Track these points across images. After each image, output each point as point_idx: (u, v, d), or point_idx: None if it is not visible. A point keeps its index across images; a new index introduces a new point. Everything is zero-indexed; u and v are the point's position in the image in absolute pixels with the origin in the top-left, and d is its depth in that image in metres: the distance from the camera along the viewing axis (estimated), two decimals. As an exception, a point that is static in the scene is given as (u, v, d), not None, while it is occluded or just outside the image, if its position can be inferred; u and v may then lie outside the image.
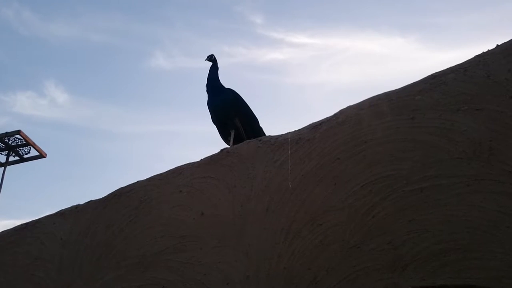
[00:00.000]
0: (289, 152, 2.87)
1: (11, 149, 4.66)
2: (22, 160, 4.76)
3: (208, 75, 4.20)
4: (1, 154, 4.74)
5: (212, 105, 4.13)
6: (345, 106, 2.88)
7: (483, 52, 2.60)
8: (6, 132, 4.60)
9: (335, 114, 2.85)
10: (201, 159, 3.26)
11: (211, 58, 4.23)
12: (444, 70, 2.67)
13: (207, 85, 4.19)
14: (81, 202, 3.64)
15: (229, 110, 4.01)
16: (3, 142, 4.56)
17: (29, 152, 4.75)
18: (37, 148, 4.68)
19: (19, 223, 3.88)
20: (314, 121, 2.95)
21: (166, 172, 3.35)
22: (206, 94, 4.32)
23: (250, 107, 4.10)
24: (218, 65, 4.25)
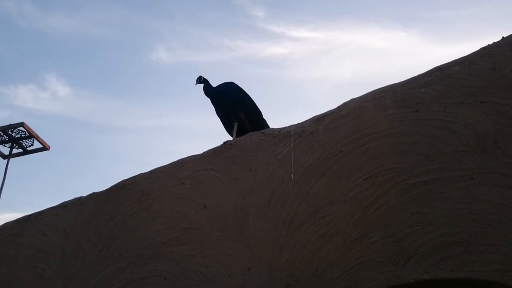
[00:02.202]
0: (292, 144, 2.85)
1: (14, 141, 4.67)
2: (26, 152, 4.78)
3: (205, 91, 4.13)
4: (5, 146, 4.77)
5: (217, 99, 4.11)
6: (348, 99, 2.87)
7: (488, 44, 2.58)
8: (10, 124, 4.62)
9: (338, 107, 2.84)
10: (203, 152, 3.26)
11: (201, 80, 4.18)
12: (449, 62, 2.65)
13: (208, 96, 4.13)
14: (84, 195, 3.65)
15: (234, 104, 3.99)
16: (7, 135, 4.58)
17: (32, 145, 4.77)
18: (40, 141, 4.69)
19: (19, 216, 3.89)
20: (316, 114, 2.93)
21: (168, 164, 3.35)
22: (203, 88, 4.27)
23: (253, 99, 4.09)
24: (209, 81, 4.19)
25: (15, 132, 4.73)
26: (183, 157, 3.34)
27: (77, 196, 3.70)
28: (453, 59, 2.65)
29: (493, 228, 2.09)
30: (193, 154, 3.32)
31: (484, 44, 2.61)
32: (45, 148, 4.92)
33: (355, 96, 2.83)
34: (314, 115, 2.94)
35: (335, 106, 2.88)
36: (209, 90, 4.19)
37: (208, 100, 4.26)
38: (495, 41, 2.58)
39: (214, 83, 4.30)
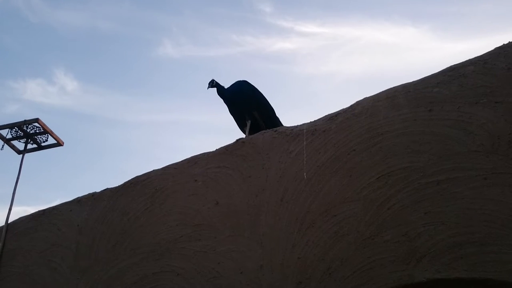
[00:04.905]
0: (305, 143, 2.87)
1: (29, 137, 4.74)
2: (40, 148, 4.84)
3: (219, 93, 4.14)
4: (20, 141, 4.83)
5: (230, 100, 4.11)
6: (357, 97, 2.88)
7: (503, 44, 2.56)
8: (25, 120, 4.68)
9: (351, 106, 2.84)
10: (216, 149, 3.28)
11: (213, 84, 4.19)
12: (463, 62, 2.63)
13: (222, 97, 4.13)
14: (93, 189, 3.71)
15: (247, 103, 4.00)
16: (22, 130, 4.64)
17: (46, 140, 4.82)
18: (54, 136, 4.73)
19: (30, 209, 3.94)
20: (329, 112, 2.93)
21: (181, 161, 3.37)
22: (216, 90, 4.28)
23: (265, 97, 4.09)
24: (220, 84, 4.19)
25: (29, 128, 4.78)
26: (193, 152, 3.38)
27: (86, 190, 3.76)
28: (464, 55, 2.66)
29: (507, 229, 2.09)
30: (203, 149, 3.35)
31: (496, 40, 2.62)
32: (59, 143, 4.97)
33: (364, 92, 2.84)
34: (325, 112, 2.95)
35: (345, 102, 2.90)
36: (222, 92, 4.20)
37: (219, 97, 4.26)
38: (510, 41, 2.56)
39: (223, 79, 4.31)
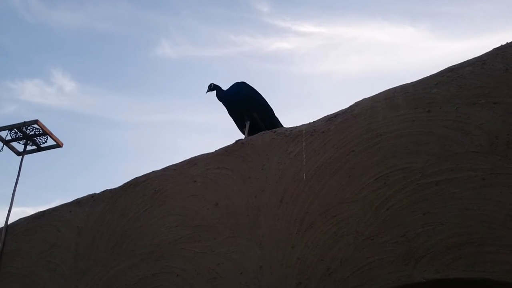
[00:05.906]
0: (304, 143, 2.87)
1: (28, 139, 4.74)
2: (39, 149, 4.84)
3: (218, 96, 4.14)
4: (19, 143, 4.83)
5: (230, 102, 4.12)
6: (354, 97, 2.89)
7: (501, 45, 2.58)
8: (24, 122, 4.68)
9: (350, 107, 2.85)
10: (215, 150, 3.28)
11: (211, 87, 4.19)
12: (461, 63, 2.65)
13: (221, 100, 4.13)
14: (91, 190, 3.71)
15: (247, 105, 4.00)
16: (21, 132, 4.64)
17: (46, 142, 4.82)
18: (54, 138, 4.74)
19: (29, 210, 3.95)
20: (326, 112, 2.95)
21: (180, 162, 3.38)
22: (216, 94, 4.28)
23: (264, 98, 4.10)
24: (220, 86, 4.19)
25: (29, 129, 4.79)
26: (192, 153, 3.39)
27: (85, 191, 3.76)
28: (462, 54, 2.70)
29: (505, 229, 2.09)
30: (202, 150, 3.36)
31: (494, 40, 2.63)
32: (58, 145, 4.97)
33: (362, 92, 2.87)
34: (322, 112, 2.97)
35: (343, 102, 2.92)
36: (221, 94, 4.20)
37: (216, 97, 4.26)
38: (508, 42, 2.57)
39: (221, 79, 4.32)
